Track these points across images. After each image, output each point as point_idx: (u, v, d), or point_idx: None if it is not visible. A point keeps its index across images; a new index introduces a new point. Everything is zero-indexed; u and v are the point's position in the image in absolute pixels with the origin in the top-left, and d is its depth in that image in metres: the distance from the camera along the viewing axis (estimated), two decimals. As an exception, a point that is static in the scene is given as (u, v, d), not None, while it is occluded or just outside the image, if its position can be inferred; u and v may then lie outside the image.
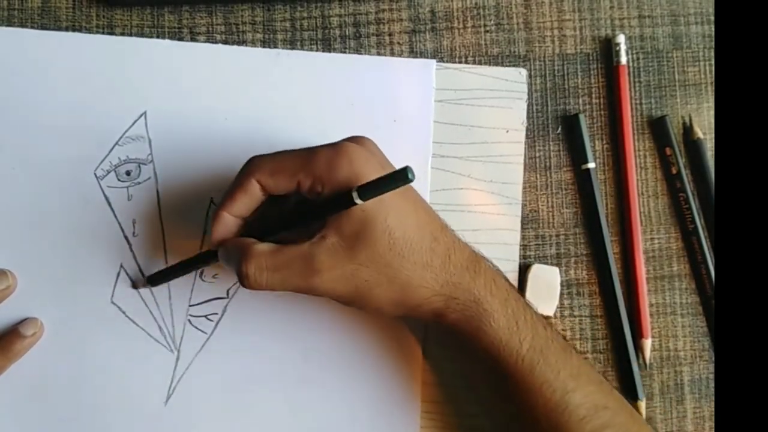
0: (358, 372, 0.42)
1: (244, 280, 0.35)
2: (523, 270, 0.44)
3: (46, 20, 0.44)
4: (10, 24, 0.44)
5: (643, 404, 0.44)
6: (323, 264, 0.35)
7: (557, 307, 0.44)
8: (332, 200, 0.35)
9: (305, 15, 0.45)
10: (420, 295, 0.36)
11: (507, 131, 0.44)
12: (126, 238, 0.42)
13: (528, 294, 0.43)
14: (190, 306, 0.42)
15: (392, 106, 0.44)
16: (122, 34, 0.44)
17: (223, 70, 0.43)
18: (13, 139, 0.42)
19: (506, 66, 0.45)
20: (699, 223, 0.45)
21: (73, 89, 0.43)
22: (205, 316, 0.42)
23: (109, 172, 0.42)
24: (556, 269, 0.44)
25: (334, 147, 0.36)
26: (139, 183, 0.42)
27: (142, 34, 0.44)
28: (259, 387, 0.42)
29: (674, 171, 0.45)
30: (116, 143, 0.42)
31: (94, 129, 0.42)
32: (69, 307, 0.42)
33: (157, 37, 0.44)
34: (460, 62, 0.45)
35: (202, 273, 0.42)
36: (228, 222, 0.37)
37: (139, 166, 0.42)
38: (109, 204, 0.42)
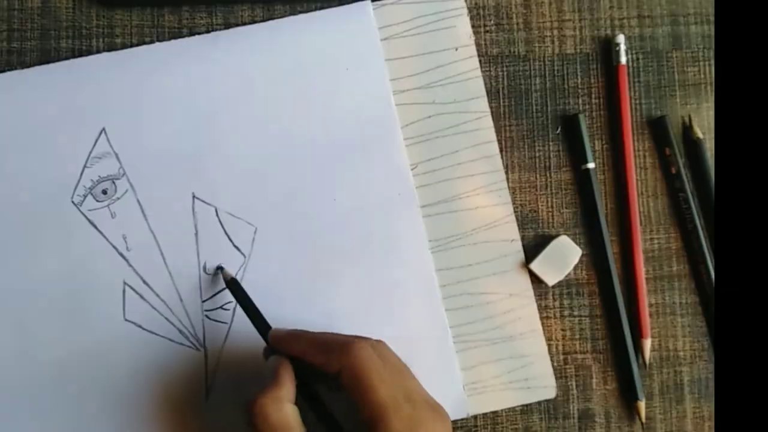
0: (386, 328, 0.42)
1: (251, 409, 0.34)
2: (549, 239, 0.44)
3: (46, 21, 0.44)
4: (10, 24, 0.44)
5: (642, 404, 0.44)
6: None
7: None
8: None
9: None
10: None
11: (456, 49, 0.45)
12: (121, 255, 0.42)
13: (541, 256, 0.43)
14: (203, 302, 0.42)
15: (341, 55, 0.44)
16: (122, 34, 0.44)
17: (166, 67, 0.43)
18: None
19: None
20: (699, 223, 0.45)
21: (25, 126, 0.43)
22: (221, 307, 0.42)
23: (85, 196, 0.42)
24: (578, 249, 0.44)
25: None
26: (119, 198, 0.42)
27: (142, 35, 0.44)
28: None
29: (674, 171, 0.45)
30: (84, 166, 0.42)
31: (58, 159, 0.42)
32: (85, 337, 0.42)
33: (158, 37, 0.44)
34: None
35: (205, 267, 0.42)
36: (291, 346, 0.37)
37: (114, 182, 0.42)
38: (95, 227, 0.42)
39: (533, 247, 0.45)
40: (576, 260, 0.44)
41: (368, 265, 0.43)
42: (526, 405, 0.44)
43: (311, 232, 0.43)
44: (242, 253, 0.43)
